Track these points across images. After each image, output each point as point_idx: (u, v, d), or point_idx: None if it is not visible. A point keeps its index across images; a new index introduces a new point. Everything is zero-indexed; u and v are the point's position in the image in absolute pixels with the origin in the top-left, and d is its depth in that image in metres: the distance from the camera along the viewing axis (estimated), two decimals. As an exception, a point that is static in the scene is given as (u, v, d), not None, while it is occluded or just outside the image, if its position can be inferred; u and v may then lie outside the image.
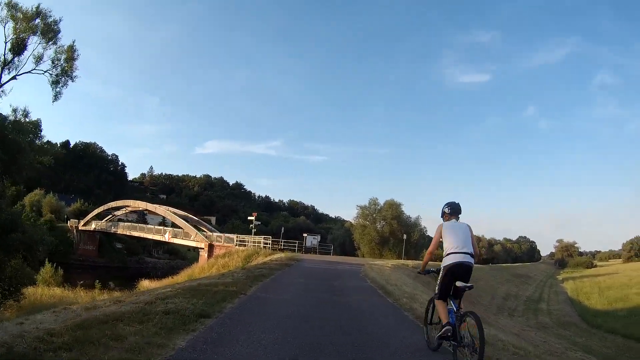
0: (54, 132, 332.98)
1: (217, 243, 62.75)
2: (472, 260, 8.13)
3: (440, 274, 8.30)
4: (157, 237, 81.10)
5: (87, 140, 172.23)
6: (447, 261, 8.13)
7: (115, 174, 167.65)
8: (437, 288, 8.37)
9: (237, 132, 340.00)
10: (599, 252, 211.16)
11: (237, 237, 61.57)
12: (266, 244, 54.66)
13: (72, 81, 47.00)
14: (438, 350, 8.55)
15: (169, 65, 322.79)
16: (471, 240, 8.35)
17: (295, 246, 58.90)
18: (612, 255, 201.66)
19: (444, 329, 7.77)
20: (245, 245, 55.95)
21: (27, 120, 42.21)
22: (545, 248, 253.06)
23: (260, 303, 13.09)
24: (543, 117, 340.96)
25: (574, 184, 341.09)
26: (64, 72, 45.96)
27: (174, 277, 48.63)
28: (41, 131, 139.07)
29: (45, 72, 45.85)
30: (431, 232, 58.33)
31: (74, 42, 46.55)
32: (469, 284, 7.94)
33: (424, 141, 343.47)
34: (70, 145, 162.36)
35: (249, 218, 63.62)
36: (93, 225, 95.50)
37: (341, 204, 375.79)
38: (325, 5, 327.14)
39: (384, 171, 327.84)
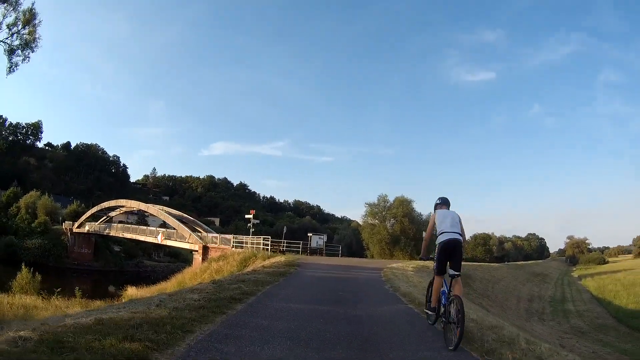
0: (60, 136, 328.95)
1: (213, 245, 55.43)
2: (460, 238, 9.51)
3: (436, 251, 9.73)
4: (150, 239, 73.45)
5: (89, 141, 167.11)
6: (440, 239, 9.55)
7: (116, 176, 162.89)
8: (435, 265, 9.70)
9: (242, 134, 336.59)
10: (608, 248, 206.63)
11: (233, 237, 53.83)
12: (266, 245, 46.93)
13: (32, 52, 39.50)
14: (435, 323, 10.19)
15: (172, 68, 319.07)
16: (459, 224, 9.71)
17: (299, 247, 51.51)
18: (620, 250, 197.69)
19: (434, 311, 10.01)
20: (242, 247, 48.51)
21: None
22: (553, 245, 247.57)
23: None
24: (548, 115, 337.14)
25: (580, 181, 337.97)
26: (25, 43, 38.52)
27: (165, 283, 45.11)
28: (42, 132, 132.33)
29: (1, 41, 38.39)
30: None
31: (33, 4, 39.20)
32: (457, 271, 9.30)
33: (429, 140, 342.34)
34: (72, 147, 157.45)
35: (247, 216, 55.55)
36: (87, 227, 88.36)
37: (347, 204, 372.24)
38: (328, 6, 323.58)
39: (389, 171, 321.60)
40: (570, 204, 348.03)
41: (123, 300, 31.09)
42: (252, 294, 14.12)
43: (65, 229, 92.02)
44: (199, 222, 72.63)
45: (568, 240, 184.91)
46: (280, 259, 33.64)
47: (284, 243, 50.17)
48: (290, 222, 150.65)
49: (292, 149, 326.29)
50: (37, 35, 39.25)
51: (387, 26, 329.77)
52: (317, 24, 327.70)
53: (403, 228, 72.24)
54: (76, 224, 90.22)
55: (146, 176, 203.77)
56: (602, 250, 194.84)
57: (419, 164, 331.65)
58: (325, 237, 59.83)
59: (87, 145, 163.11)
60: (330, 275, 24.92)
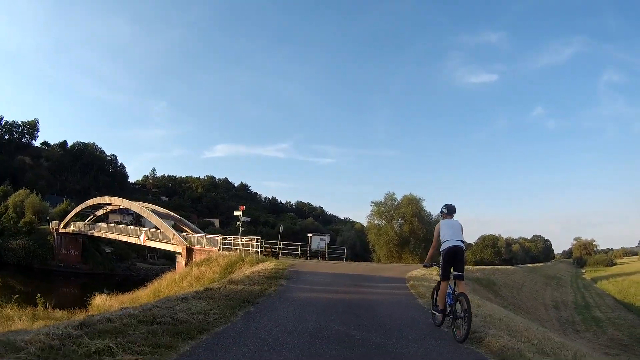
0: (58, 135, 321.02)
1: (198, 247, 46.29)
2: (462, 245, 9.96)
3: (441, 258, 10.10)
4: (133, 240, 64.04)
5: (86, 140, 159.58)
6: (444, 246, 9.95)
7: (113, 176, 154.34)
8: (440, 271, 10.21)
9: (245, 136, 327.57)
10: (611, 249, 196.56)
11: (221, 238, 43.80)
12: (256, 247, 36.13)
13: None
14: (442, 325, 10.23)
15: (174, 70, 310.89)
16: (461, 233, 10.15)
17: (297, 250, 42.70)
18: (625, 252, 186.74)
19: (441, 312, 10.22)
20: (230, 249, 39.20)
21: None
22: (557, 246, 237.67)
23: None
24: (551, 117, 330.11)
25: (582, 182, 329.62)
26: None
27: (140, 291, 38.06)
28: (38, 131, 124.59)
29: None
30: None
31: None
32: (460, 272, 9.73)
33: (432, 143, 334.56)
34: (68, 146, 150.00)
35: (236, 213, 45.67)
36: (72, 227, 79.82)
37: (351, 206, 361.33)
38: (329, 8, 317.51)
39: (392, 173, 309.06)
40: (573, 206, 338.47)
41: (90, 311, 27.25)
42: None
43: (52, 229, 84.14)
44: (186, 222, 63.34)
45: (575, 242, 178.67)
46: (269, 265, 25.46)
47: (279, 245, 41.01)
48: (292, 223, 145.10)
49: (295, 151, 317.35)
50: None
51: (389, 28, 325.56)
52: (318, 26, 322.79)
53: (412, 229, 64.67)
54: (62, 224, 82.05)
55: (146, 177, 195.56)
56: (606, 251, 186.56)
57: (421, 166, 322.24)
58: (327, 239, 50.62)
59: (84, 144, 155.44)
60: (333, 297, 15.13)
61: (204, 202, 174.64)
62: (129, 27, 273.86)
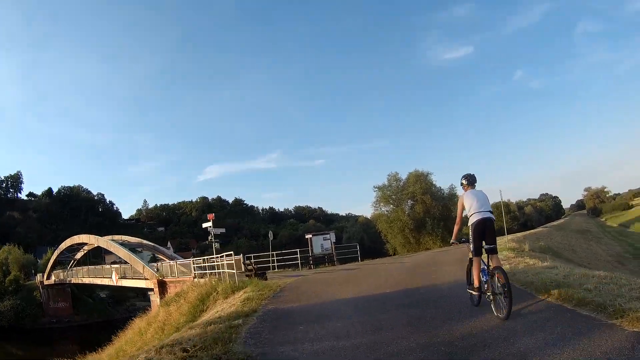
0: (44, 182, 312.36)
1: (171, 278, 34.57)
2: (492, 216, 8.84)
3: (470, 232, 8.94)
4: (106, 281, 53.15)
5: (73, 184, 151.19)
6: (472, 219, 8.84)
7: (104, 215, 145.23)
8: (471, 247, 8.96)
9: (234, 153, 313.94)
10: (619, 194, 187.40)
11: (193, 262, 32.23)
12: (231, 267, 24.10)
13: None
14: (479, 304, 9.03)
15: (154, 99, 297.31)
16: (488, 202, 9.05)
17: (297, 258, 33.11)
18: (635, 194, 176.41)
19: (478, 290, 8.98)
20: (205, 275, 27.50)
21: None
22: (564, 201, 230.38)
23: None
24: (533, 78, 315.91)
25: (579, 133, 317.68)
26: None
27: (102, 353, 28.52)
28: (22, 183, 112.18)
29: None
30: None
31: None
32: (492, 245, 8.67)
33: (422, 124, 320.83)
34: (54, 193, 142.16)
35: (204, 225, 32.41)
36: (53, 278, 69.47)
37: (350, 202, 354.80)
38: (298, 9, 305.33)
39: (388, 162, 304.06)
40: (573, 159, 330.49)
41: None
42: None
43: (38, 282, 73.78)
44: (161, 249, 53.73)
45: (586, 193, 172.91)
46: (236, 300, 15.72)
47: (272, 257, 31.50)
48: (294, 229, 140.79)
49: (286, 158, 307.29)
50: None
51: (360, 22, 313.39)
52: (289, 29, 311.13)
53: (426, 208, 55.52)
54: (45, 276, 71.65)
55: (139, 210, 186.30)
56: (614, 197, 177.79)
57: (415, 150, 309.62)
58: (332, 237, 38.02)
59: (69, 188, 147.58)
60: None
61: (199, 225, 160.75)
62: (100, 66, 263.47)
